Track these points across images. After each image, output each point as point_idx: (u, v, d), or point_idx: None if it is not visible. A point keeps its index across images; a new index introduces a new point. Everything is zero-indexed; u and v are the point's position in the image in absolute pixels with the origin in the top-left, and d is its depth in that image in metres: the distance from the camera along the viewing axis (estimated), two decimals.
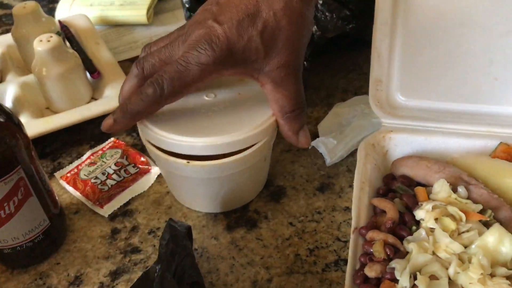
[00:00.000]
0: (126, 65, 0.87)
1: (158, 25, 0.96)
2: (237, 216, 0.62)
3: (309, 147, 0.69)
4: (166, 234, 0.47)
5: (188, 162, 0.55)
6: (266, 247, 0.59)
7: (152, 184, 0.66)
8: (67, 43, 0.84)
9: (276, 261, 0.57)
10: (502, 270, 0.46)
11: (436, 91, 0.67)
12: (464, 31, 0.68)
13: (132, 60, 0.89)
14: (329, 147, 0.67)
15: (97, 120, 0.75)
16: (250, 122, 0.56)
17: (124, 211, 0.63)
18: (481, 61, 0.67)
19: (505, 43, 0.67)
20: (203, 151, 0.54)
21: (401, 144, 0.64)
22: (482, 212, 0.52)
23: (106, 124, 0.55)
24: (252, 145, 0.56)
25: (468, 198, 0.54)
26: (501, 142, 0.61)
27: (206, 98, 0.59)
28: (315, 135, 0.72)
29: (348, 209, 0.62)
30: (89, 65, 0.78)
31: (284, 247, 0.58)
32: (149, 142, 0.57)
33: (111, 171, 0.66)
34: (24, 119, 0.71)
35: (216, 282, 0.55)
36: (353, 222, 0.54)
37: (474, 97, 0.67)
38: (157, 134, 0.55)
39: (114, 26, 0.96)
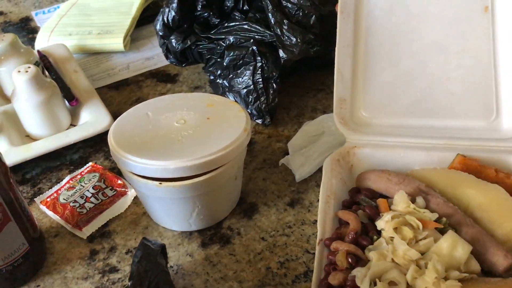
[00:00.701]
0: (104, 91, 0.91)
1: (135, 51, 1.00)
2: (211, 234, 0.65)
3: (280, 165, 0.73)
4: (139, 252, 0.50)
5: (160, 183, 0.58)
6: (239, 262, 0.61)
7: (129, 206, 0.69)
8: (46, 72, 0.87)
9: (248, 275, 0.60)
10: (455, 274, 0.50)
11: (398, 107, 0.71)
12: (422, 50, 0.72)
13: (110, 86, 0.92)
14: (298, 164, 0.71)
15: (76, 146, 0.78)
16: (219, 144, 0.59)
17: (102, 233, 0.66)
18: (439, 78, 0.72)
19: (460, 60, 0.72)
20: (175, 174, 0.57)
21: (365, 158, 0.67)
22: (438, 220, 0.55)
23: None
24: (222, 165, 0.59)
25: (426, 207, 0.57)
26: (458, 154, 0.65)
27: (176, 125, 0.62)
28: (285, 153, 0.75)
29: (317, 222, 0.65)
30: (67, 93, 0.81)
31: (256, 261, 0.61)
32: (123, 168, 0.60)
33: (89, 195, 0.69)
34: (4, 147, 0.74)
35: None
36: (318, 234, 0.57)
37: (433, 112, 0.71)
38: (130, 160, 0.57)
39: (92, 54, 1.00)
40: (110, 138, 0.61)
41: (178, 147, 0.59)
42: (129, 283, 0.45)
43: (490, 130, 0.69)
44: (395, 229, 0.54)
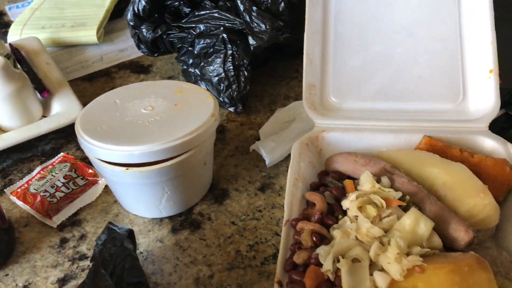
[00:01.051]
0: (77, 83, 0.91)
1: (109, 43, 1.00)
2: (182, 220, 0.65)
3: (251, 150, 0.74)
4: (103, 236, 0.50)
5: (127, 169, 0.58)
6: (208, 246, 0.62)
7: (100, 194, 0.69)
8: (19, 65, 0.87)
9: (218, 258, 0.60)
10: (417, 249, 0.50)
11: (366, 92, 0.72)
12: (390, 35, 0.73)
13: (83, 78, 0.92)
14: (268, 149, 0.71)
15: (48, 137, 0.78)
16: (186, 128, 0.59)
17: (73, 221, 0.66)
18: (407, 62, 0.73)
19: (428, 44, 0.73)
20: (141, 159, 0.57)
21: (334, 142, 0.68)
22: (402, 198, 0.56)
23: None
24: (189, 150, 0.59)
25: (391, 187, 0.58)
26: (424, 135, 0.66)
27: (144, 111, 0.62)
28: (258, 140, 0.76)
29: None
30: (38, 85, 0.81)
31: (226, 245, 0.61)
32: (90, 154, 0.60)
33: (60, 184, 0.69)
34: None
35: (160, 282, 0.58)
36: (285, 215, 0.57)
37: (401, 96, 0.72)
38: (95, 146, 0.57)
39: (66, 47, 0.99)
40: (77, 126, 0.61)
41: (144, 132, 0.59)
42: (91, 264, 0.45)
43: (457, 112, 0.70)
44: (360, 208, 0.55)
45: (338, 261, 0.50)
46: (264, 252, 0.60)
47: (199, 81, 0.81)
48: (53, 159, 0.74)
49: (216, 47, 0.78)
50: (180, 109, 0.63)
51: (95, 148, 0.58)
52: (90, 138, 0.58)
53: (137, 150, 0.57)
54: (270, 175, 0.71)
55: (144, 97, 0.65)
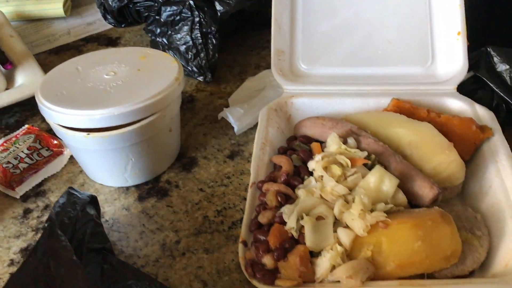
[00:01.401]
0: (43, 56, 0.89)
1: (76, 17, 0.97)
2: (148, 188, 0.64)
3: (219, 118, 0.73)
4: (62, 199, 0.49)
5: (88, 134, 0.56)
6: (176, 212, 0.61)
7: (66, 165, 0.67)
8: None
9: (185, 224, 0.59)
10: (381, 205, 0.50)
11: (336, 58, 0.71)
12: (359, 0, 0.72)
13: (50, 52, 0.90)
14: (237, 116, 0.70)
15: (13, 110, 0.76)
16: (148, 92, 0.58)
17: (37, 192, 0.64)
18: (375, 27, 0.72)
19: (397, 8, 0.72)
20: (102, 123, 0.56)
21: (302, 108, 0.67)
22: (368, 157, 0.56)
23: None
24: (152, 114, 0.58)
25: (358, 148, 0.58)
26: (393, 98, 0.65)
27: (106, 77, 0.60)
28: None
29: None
30: (0, 56, 0.78)
31: (194, 211, 0.61)
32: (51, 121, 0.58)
33: (23, 155, 0.67)
34: None
35: (126, 249, 0.57)
36: (251, 178, 0.56)
37: (371, 61, 0.71)
38: (55, 112, 0.56)
39: (31, 21, 0.97)
40: (37, 92, 0.59)
41: (106, 97, 0.57)
42: (45, 224, 0.44)
43: (426, 75, 0.70)
44: (325, 168, 0.54)
45: (303, 219, 0.50)
46: (232, 216, 0.60)
47: (167, 50, 0.79)
48: (17, 131, 0.72)
49: (183, 15, 0.76)
50: (144, 73, 0.61)
51: (55, 114, 0.56)
52: (50, 103, 0.57)
53: (97, 114, 0.55)
54: (239, 142, 0.70)
55: (107, 63, 0.63)
